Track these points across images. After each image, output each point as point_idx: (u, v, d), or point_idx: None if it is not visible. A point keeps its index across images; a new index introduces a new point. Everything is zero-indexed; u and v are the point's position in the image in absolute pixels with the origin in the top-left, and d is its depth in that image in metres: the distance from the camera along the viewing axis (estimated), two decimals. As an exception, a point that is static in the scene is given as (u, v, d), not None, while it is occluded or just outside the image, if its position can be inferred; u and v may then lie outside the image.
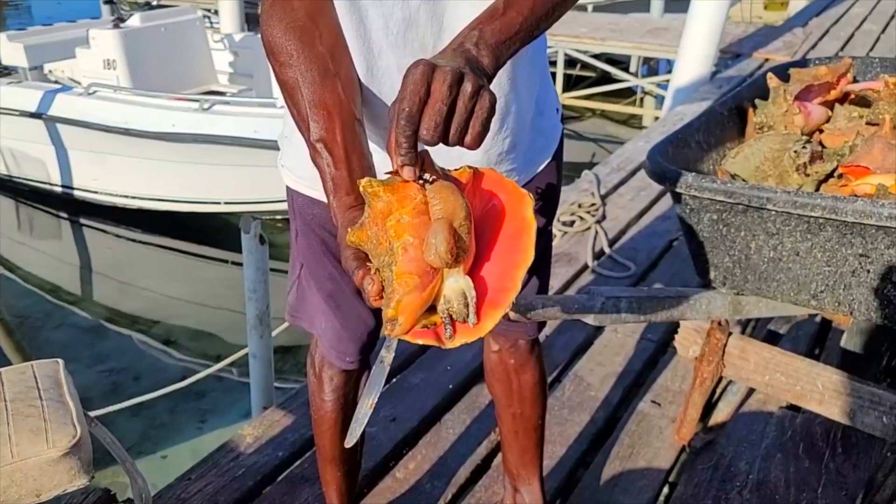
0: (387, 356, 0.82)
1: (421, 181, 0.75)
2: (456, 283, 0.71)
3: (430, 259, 0.69)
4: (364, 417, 0.82)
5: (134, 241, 5.95)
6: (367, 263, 0.75)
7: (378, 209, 0.73)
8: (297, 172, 1.19)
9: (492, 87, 1.01)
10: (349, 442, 0.86)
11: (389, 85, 1.00)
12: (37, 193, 6.31)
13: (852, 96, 1.77)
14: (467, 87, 0.73)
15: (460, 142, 0.75)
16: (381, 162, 0.85)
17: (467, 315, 0.70)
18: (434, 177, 0.75)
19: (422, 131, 0.72)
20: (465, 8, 0.95)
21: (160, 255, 5.81)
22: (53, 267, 5.66)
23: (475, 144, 0.75)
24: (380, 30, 0.97)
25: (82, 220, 6.18)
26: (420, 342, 0.73)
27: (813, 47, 6.87)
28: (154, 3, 10.04)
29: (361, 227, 0.74)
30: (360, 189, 0.73)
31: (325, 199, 0.88)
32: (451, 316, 0.71)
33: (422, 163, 0.74)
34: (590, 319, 1.51)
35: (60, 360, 1.32)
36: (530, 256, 0.71)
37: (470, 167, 0.76)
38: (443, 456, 2.03)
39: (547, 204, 1.29)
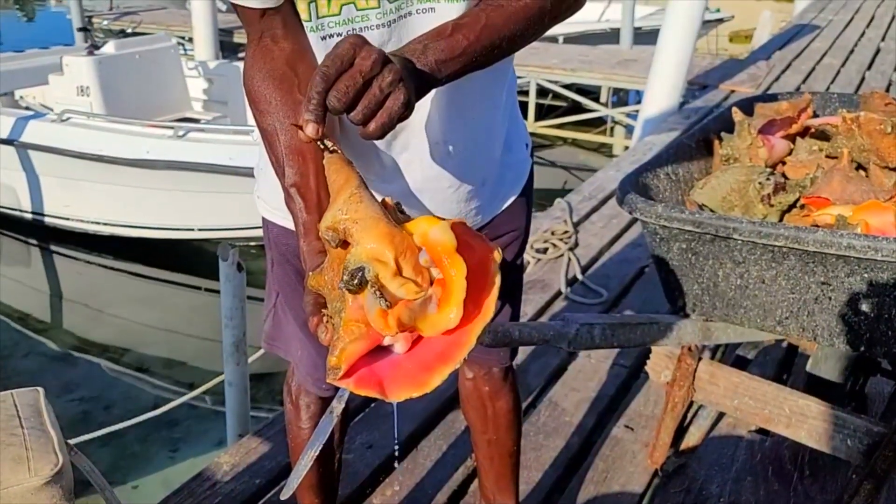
0: (337, 407, 0.80)
1: (322, 146, 0.75)
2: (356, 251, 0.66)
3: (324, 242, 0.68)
4: (304, 469, 0.80)
5: (105, 267, 5.88)
6: (323, 310, 0.74)
7: (334, 254, 0.71)
8: (272, 203, 1.21)
9: (461, 124, 1.05)
10: (285, 494, 0.85)
11: (355, 131, 1.03)
12: (6, 220, 6.22)
13: (812, 130, 1.84)
14: (388, 74, 0.75)
15: (364, 122, 0.75)
16: None
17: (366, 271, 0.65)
18: (335, 147, 0.75)
19: (331, 93, 0.73)
20: None
21: (132, 282, 5.74)
22: (23, 294, 5.57)
23: (376, 133, 0.76)
24: None
25: (53, 247, 6.11)
26: (363, 394, 0.69)
27: (776, 80, 7.06)
28: (129, 30, 10.03)
29: (321, 272, 0.73)
30: (320, 233, 0.72)
31: None
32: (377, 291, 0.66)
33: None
34: (564, 345, 1.54)
35: (41, 389, 1.32)
36: (489, 316, 0.68)
37: (439, 218, 0.72)
38: (420, 482, 2.04)
39: (518, 237, 1.32)
